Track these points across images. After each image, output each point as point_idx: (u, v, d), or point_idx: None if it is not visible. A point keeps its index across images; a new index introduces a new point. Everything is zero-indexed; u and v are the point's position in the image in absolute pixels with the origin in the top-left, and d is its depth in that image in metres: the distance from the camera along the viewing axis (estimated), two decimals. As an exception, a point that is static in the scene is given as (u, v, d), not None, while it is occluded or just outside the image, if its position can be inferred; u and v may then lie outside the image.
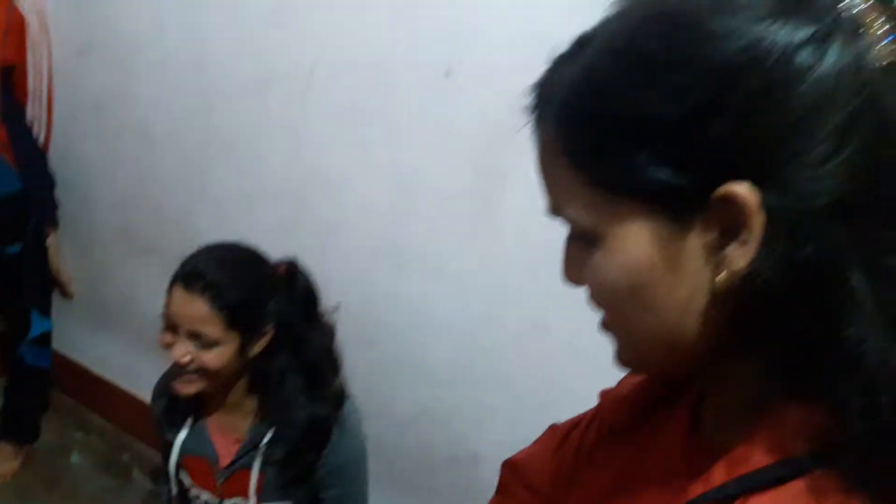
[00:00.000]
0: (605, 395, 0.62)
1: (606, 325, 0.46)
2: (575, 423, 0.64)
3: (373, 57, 1.39)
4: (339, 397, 1.17)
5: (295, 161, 1.58)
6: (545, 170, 0.45)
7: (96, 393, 2.28)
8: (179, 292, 1.06)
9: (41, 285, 2.08)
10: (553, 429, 0.68)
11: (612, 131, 0.39)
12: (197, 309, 1.04)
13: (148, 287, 2.02)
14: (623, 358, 0.47)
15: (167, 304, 1.07)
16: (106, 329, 2.21)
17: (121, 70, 1.86)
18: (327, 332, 1.18)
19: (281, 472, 1.15)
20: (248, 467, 1.15)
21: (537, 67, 0.44)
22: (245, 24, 1.57)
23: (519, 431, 1.36)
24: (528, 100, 0.45)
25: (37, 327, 2.05)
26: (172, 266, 1.88)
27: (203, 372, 1.07)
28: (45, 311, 2.08)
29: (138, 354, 2.14)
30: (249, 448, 1.16)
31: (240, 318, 1.05)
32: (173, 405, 1.20)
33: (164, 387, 1.22)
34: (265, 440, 1.14)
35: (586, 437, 0.60)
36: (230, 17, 1.59)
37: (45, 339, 2.09)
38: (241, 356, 1.08)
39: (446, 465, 1.52)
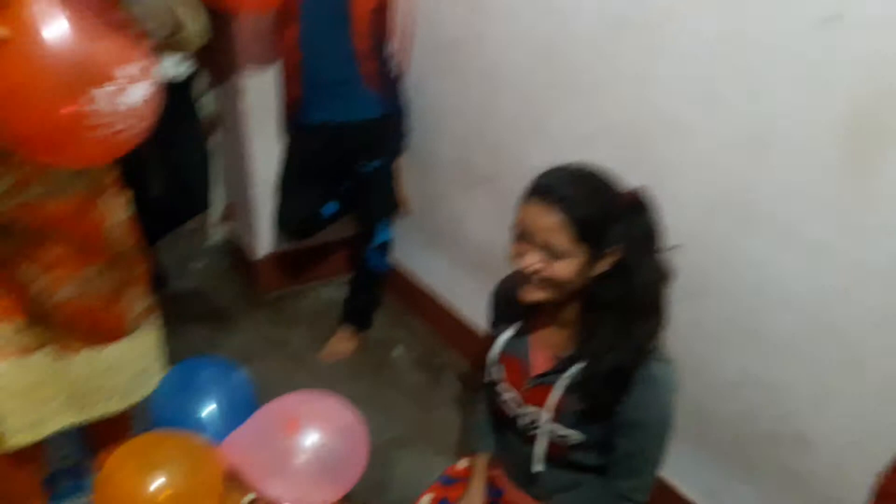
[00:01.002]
0: None
1: None
2: None
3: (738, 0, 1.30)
4: (650, 347, 1.16)
5: (639, 105, 1.57)
6: None
7: (421, 300, 2.59)
8: (535, 204, 1.12)
9: (389, 201, 2.40)
10: None
11: None
12: (551, 220, 1.10)
13: (476, 215, 2.21)
14: None
15: (520, 218, 1.15)
16: (435, 247, 2.48)
17: (474, 12, 1.99)
18: (660, 274, 1.16)
19: (579, 402, 1.19)
20: (553, 385, 1.21)
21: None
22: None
23: (864, 423, 1.25)
24: None
25: (380, 236, 2.38)
26: (502, 198, 2.04)
27: (549, 282, 1.13)
28: (389, 222, 2.40)
29: (461, 273, 2.37)
30: (559, 369, 1.21)
31: (589, 233, 1.09)
32: (508, 305, 1.30)
33: (503, 287, 1.34)
34: (573, 367, 1.19)
35: None
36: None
37: (386, 246, 2.42)
38: (585, 272, 1.12)
39: (765, 441, 1.45)
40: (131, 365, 1.42)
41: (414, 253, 2.60)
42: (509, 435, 1.36)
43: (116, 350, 1.37)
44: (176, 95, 2.08)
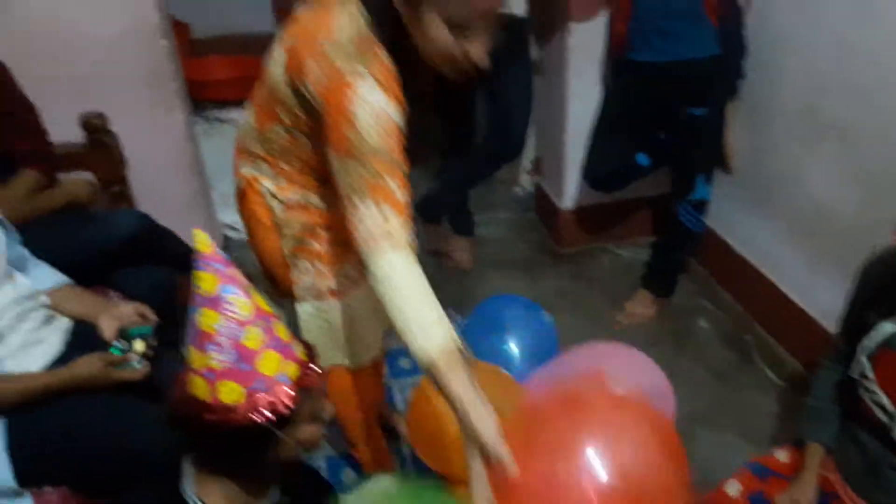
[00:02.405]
0: None
1: None
2: None
3: None
4: None
5: None
6: None
7: (733, 269, 2.32)
8: None
9: (712, 152, 2.15)
10: None
11: None
12: None
13: (819, 171, 1.88)
14: None
15: None
16: (759, 210, 2.18)
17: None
18: None
19: None
20: None
21: None
22: None
23: None
24: None
25: (698, 192, 2.15)
26: (856, 153, 1.70)
27: None
28: (709, 178, 2.16)
29: (788, 242, 2.05)
30: None
31: None
32: (891, 287, 1.06)
33: (884, 263, 1.11)
34: None
35: None
36: None
37: (702, 205, 2.19)
38: None
39: None
40: None
41: (730, 215, 2.32)
42: (863, 437, 1.13)
43: None
44: (511, 34, 2.06)
